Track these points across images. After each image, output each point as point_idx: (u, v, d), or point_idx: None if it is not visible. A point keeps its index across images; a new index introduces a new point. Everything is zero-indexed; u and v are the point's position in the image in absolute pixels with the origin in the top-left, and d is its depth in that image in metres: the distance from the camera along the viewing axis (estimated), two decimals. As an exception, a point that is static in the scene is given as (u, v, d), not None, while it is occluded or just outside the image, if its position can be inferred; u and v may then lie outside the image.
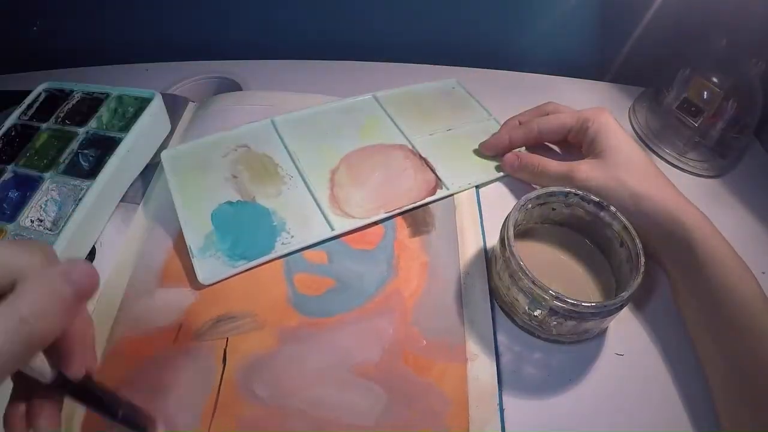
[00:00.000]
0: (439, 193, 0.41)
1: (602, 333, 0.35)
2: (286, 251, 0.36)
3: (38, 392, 0.21)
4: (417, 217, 0.40)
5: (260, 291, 0.35)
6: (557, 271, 0.36)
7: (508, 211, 0.34)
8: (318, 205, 0.39)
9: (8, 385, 0.21)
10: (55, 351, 0.20)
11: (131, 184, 0.41)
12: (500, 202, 0.42)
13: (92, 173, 0.37)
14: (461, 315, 0.34)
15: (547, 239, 0.38)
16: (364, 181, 0.42)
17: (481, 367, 0.32)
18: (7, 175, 0.38)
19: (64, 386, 0.20)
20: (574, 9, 0.53)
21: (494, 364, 0.32)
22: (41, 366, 0.19)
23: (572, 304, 0.29)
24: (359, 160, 0.43)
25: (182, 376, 0.31)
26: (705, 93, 0.45)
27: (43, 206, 0.36)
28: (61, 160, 0.38)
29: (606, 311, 0.30)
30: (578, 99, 0.53)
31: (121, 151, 0.39)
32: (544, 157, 0.41)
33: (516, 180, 0.44)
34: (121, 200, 0.40)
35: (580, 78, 0.55)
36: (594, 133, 0.39)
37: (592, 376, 0.33)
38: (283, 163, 0.42)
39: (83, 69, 0.55)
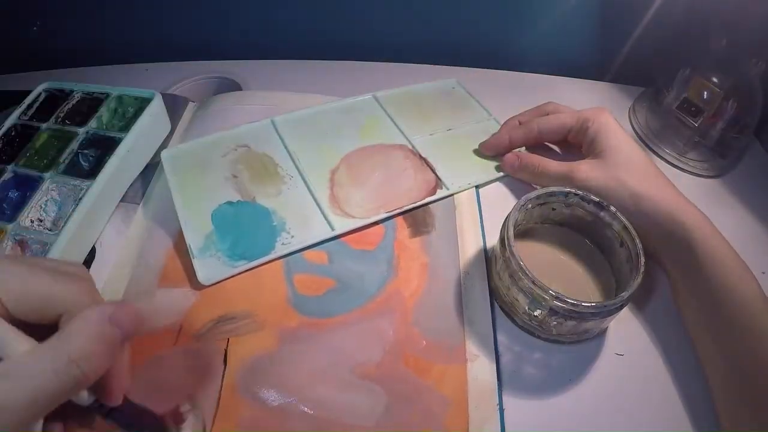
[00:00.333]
0: (439, 193, 0.41)
1: (602, 333, 0.35)
2: (286, 251, 0.36)
3: (73, 413, 0.22)
4: (417, 218, 0.40)
5: (260, 291, 0.35)
6: (557, 271, 0.36)
7: (508, 211, 0.34)
8: (318, 205, 0.39)
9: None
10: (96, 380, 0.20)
11: (131, 184, 0.41)
12: (500, 202, 0.42)
13: (92, 173, 0.37)
14: (461, 315, 0.34)
15: (547, 239, 0.38)
16: (365, 181, 0.42)
17: (480, 368, 0.32)
18: (7, 175, 0.38)
19: (100, 409, 0.21)
20: (574, 9, 0.53)
21: (494, 364, 0.32)
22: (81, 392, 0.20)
23: (572, 304, 0.29)
24: (359, 160, 0.43)
25: (183, 377, 0.31)
26: (705, 93, 0.45)
27: (43, 206, 0.36)
28: (61, 160, 0.38)
29: (606, 311, 0.30)
30: (578, 99, 0.53)
31: (121, 151, 0.39)
32: (544, 157, 0.41)
33: (516, 180, 0.44)
34: (121, 200, 0.40)
35: (580, 78, 0.55)
36: (594, 133, 0.39)
37: (592, 376, 0.33)
38: (283, 163, 0.42)
39: (83, 69, 0.55)
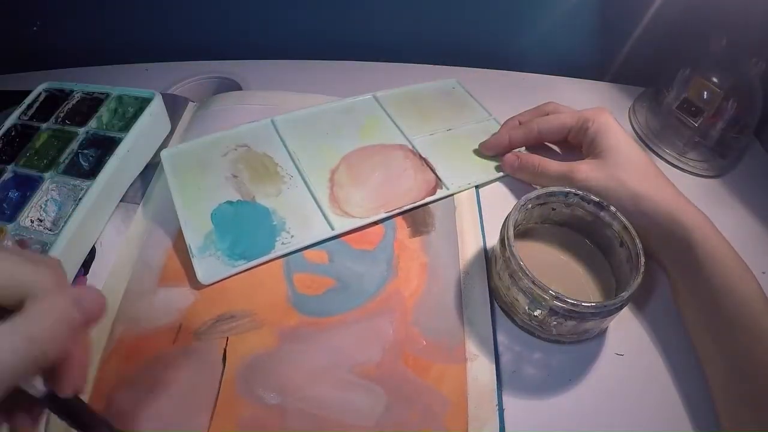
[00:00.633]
0: (439, 193, 0.41)
1: (602, 333, 0.35)
2: (286, 251, 0.36)
3: (22, 404, 0.21)
4: (417, 218, 0.40)
5: (260, 290, 0.35)
6: (557, 271, 0.36)
7: (508, 211, 0.34)
8: (318, 204, 0.39)
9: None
10: (51, 368, 0.20)
11: (131, 184, 0.41)
12: (500, 202, 0.42)
13: (92, 173, 0.37)
14: (461, 315, 0.34)
15: (547, 239, 0.38)
16: (365, 180, 0.42)
17: (480, 368, 0.32)
18: (7, 175, 0.38)
19: (51, 401, 0.21)
20: (574, 9, 0.53)
21: (493, 364, 0.32)
22: (35, 380, 0.20)
23: (572, 304, 0.29)
24: (359, 159, 0.43)
25: (182, 376, 0.31)
26: (705, 93, 0.45)
27: (43, 206, 0.36)
28: (61, 160, 0.38)
29: (606, 311, 0.30)
30: (578, 99, 0.53)
31: (121, 151, 0.39)
32: (543, 157, 0.41)
33: (516, 180, 0.44)
34: (121, 200, 0.40)
35: (580, 78, 0.55)
36: (594, 133, 0.39)
37: (592, 376, 0.33)
38: (283, 163, 0.42)
39: (83, 69, 0.55)
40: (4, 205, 0.36)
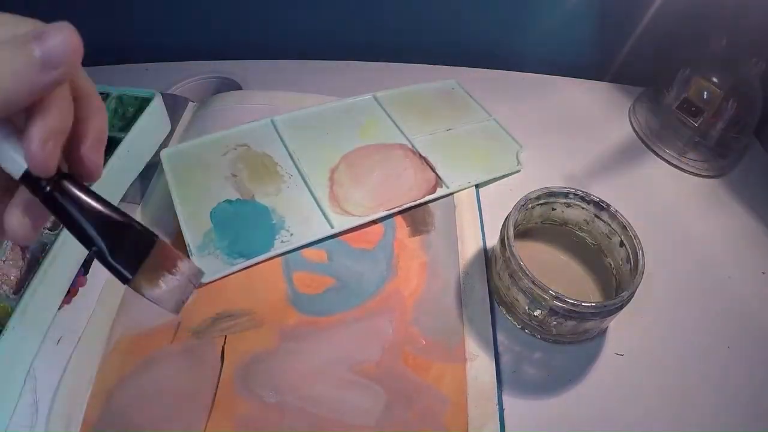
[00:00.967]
0: (439, 192, 0.41)
1: (602, 333, 0.35)
2: (285, 249, 0.36)
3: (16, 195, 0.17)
4: (417, 217, 0.40)
5: (259, 289, 0.35)
6: (557, 271, 0.36)
7: (508, 211, 0.34)
8: (317, 203, 0.39)
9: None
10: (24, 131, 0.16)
11: (131, 184, 0.41)
12: (500, 202, 0.42)
13: (92, 172, 0.37)
14: (460, 315, 0.34)
15: (547, 239, 0.38)
16: (364, 179, 0.42)
17: (480, 368, 0.32)
18: (6, 175, 0.38)
19: (40, 187, 0.16)
20: (574, 9, 0.53)
21: (493, 364, 0.32)
22: (13, 157, 0.16)
23: (572, 304, 0.29)
24: (359, 159, 0.43)
25: (181, 374, 0.31)
26: (705, 93, 0.45)
27: (42, 205, 0.36)
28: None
29: (606, 311, 0.30)
30: (578, 99, 0.53)
31: (121, 150, 0.39)
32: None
33: (516, 180, 0.44)
34: (121, 200, 0.40)
35: (580, 78, 0.55)
36: None
37: (592, 376, 0.33)
38: (282, 162, 0.42)
39: (83, 69, 0.54)
40: (4, 204, 0.36)
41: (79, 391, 0.29)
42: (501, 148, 0.46)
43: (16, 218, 0.17)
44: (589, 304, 0.29)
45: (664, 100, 0.48)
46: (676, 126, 0.47)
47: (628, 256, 0.33)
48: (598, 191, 0.36)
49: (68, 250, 0.34)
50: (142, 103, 0.42)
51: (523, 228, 0.38)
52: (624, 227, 0.34)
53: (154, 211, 0.40)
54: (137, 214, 0.40)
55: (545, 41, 0.56)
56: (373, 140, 0.45)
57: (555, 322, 0.32)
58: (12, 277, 0.32)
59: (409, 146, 0.45)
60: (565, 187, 0.35)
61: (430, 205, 0.41)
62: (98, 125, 0.18)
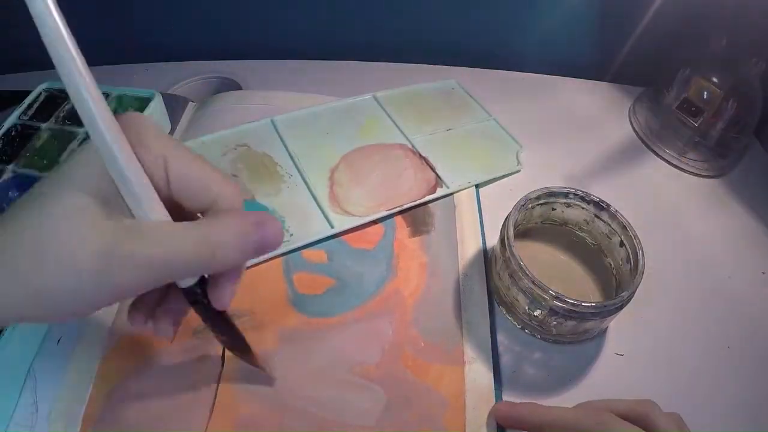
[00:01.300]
0: (440, 192, 0.41)
1: (602, 333, 0.35)
2: (285, 249, 0.36)
3: (168, 300, 0.23)
4: (417, 217, 0.40)
5: (259, 289, 0.35)
6: (557, 271, 0.36)
7: (508, 211, 0.34)
8: (317, 203, 0.39)
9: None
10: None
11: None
12: (500, 202, 0.42)
13: (92, 173, 0.37)
14: (460, 317, 0.34)
15: (547, 239, 0.38)
16: (364, 179, 0.42)
17: (478, 370, 0.32)
18: (7, 175, 0.38)
19: (196, 296, 0.22)
20: (574, 9, 0.53)
21: (491, 367, 0.32)
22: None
23: (572, 304, 0.29)
24: (359, 158, 0.43)
25: (181, 375, 0.31)
26: (705, 93, 0.45)
27: (42, 206, 0.36)
28: (61, 160, 0.38)
29: (606, 311, 0.30)
30: (578, 99, 0.53)
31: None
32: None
33: (516, 180, 0.44)
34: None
35: (580, 78, 0.55)
36: None
37: (592, 376, 0.33)
38: (282, 162, 0.42)
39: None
40: (4, 205, 0.36)
41: (79, 391, 0.29)
42: (501, 148, 0.46)
43: (165, 325, 0.23)
44: (589, 304, 0.29)
45: (664, 100, 0.48)
46: (676, 126, 0.47)
47: (628, 256, 0.33)
48: (598, 191, 0.36)
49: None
50: (142, 103, 0.42)
51: (523, 228, 0.38)
52: (624, 227, 0.34)
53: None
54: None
55: (545, 41, 0.56)
56: (373, 140, 0.45)
57: (555, 322, 0.32)
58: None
59: (409, 146, 0.45)
60: (565, 187, 0.35)
61: (430, 205, 0.41)
62: (242, 274, 0.23)
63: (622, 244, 0.34)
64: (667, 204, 0.44)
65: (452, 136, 0.46)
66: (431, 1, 0.54)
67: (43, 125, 0.41)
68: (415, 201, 0.40)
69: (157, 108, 0.42)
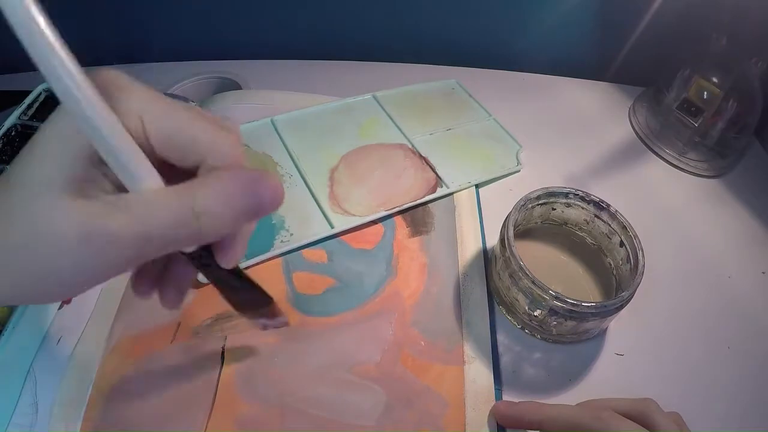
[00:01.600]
0: (439, 192, 0.41)
1: (602, 333, 0.35)
2: (284, 249, 0.36)
3: (173, 267, 0.22)
4: (416, 217, 0.40)
5: (260, 290, 0.35)
6: (557, 271, 0.36)
7: (508, 211, 0.34)
8: (317, 203, 0.39)
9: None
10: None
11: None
12: (500, 202, 0.42)
13: (92, 173, 0.37)
14: (459, 317, 0.34)
15: (547, 239, 0.38)
16: (364, 179, 0.42)
17: (478, 370, 0.32)
18: (6, 175, 0.38)
19: (201, 260, 0.20)
20: (574, 9, 0.53)
21: (491, 367, 0.32)
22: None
23: (572, 304, 0.29)
24: (359, 158, 0.43)
25: (180, 374, 0.31)
26: (705, 93, 0.45)
27: (42, 206, 0.36)
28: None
29: (606, 311, 0.30)
30: (578, 99, 0.53)
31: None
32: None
33: (516, 180, 0.44)
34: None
35: (580, 78, 0.55)
36: None
37: (592, 376, 0.33)
38: (282, 162, 0.42)
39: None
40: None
41: (79, 391, 0.29)
42: (501, 147, 0.46)
43: (173, 294, 0.22)
44: (589, 304, 0.29)
45: (664, 100, 0.48)
46: (676, 126, 0.47)
47: (628, 256, 0.33)
48: (598, 191, 0.36)
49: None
50: (142, 103, 0.42)
51: (523, 228, 0.38)
52: (624, 227, 0.34)
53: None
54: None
55: (545, 41, 0.56)
56: (373, 140, 0.45)
57: (555, 322, 0.32)
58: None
59: (409, 146, 0.45)
60: (565, 187, 0.35)
61: (430, 205, 0.41)
62: (249, 232, 0.21)
63: (622, 244, 0.34)
64: (667, 204, 0.44)
65: (452, 135, 0.46)
66: (431, 1, 0.54)
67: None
68: (415, 201, 0.40)
69: (157, 108, 0.42)
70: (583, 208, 0.36)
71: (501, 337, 0.34)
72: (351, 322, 0.34)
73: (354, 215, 0.39)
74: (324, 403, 0.30)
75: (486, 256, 0.38)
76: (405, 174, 0.42)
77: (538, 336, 0.34)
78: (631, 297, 0.30)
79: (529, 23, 0.55)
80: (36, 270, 0.16)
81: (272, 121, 0.45)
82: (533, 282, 0.30)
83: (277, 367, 0.31)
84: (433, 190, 0.41)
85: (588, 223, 0.36)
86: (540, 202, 0.36)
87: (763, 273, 0.39)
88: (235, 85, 0.53)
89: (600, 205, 0.35)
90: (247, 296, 0.25)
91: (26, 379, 0.30)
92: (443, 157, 0.44)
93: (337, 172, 0.42)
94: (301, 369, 0.31)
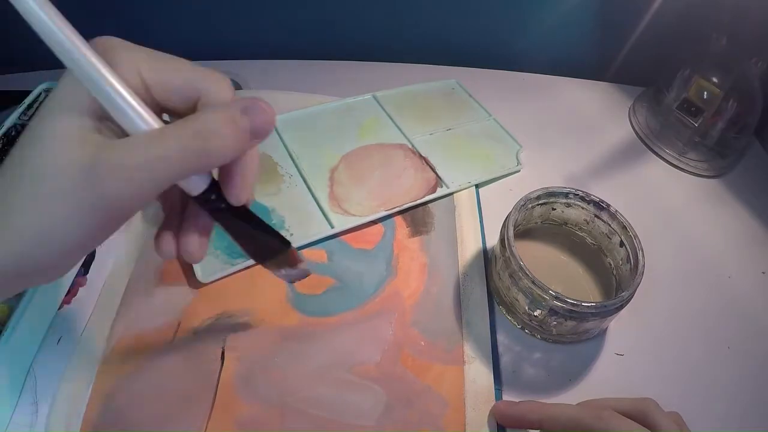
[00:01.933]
0: (439, 192, 0.41)
1: (602, 333, 0.35)
2: (285, 250, 0.36)
3: (191, 218, 0.22)
4: (416, 217, 0.40)
5: (259, 289, 0.35)
6: (557, 271, 0.36)
7: (508, 211, 0.34)
8: (317, 202, 0.39)
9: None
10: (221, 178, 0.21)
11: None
12: (500, 202, 0.42)
13: (92, 173, 0.37)
14: (459, 317, 0.34)
15: (547, 239, 0.38)
16: (364, 179, 0.42)
17: (478, 370, 0.32)
18: (6, 175, 0.38)
19: (213, 203, 0.21)
20: (574, 9, 0.53)
21: (491, 366, 0.32)
22: (195, 179, 0.20)
23: (572, 304, 0.29)
24: (359, 158, 0.43)
25: (180, 374, 0.31)
26: (705, 93, 0.45)
27: (42, 205, 0.36)
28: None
29: (606, 311, 0.30)
30: (578, 99, 0.53)
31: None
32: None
33: (516, 180, 0.44)
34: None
35: (580, 78, 0.55)
36: None
37: (592, 376, 0.33)
38: (282, 162, 0.42)
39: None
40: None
41: (79, 391, 0.29)
42: (501, 147, 0.46)
43: (194, 243, 0.22)
44: (589, 304, 0.29)
45: (664, 100, 0.48)
46: (676, 126, 0.47)
47: (628, 256, 0.33)
48: (598, 191, 0.36)
49: (68, 250, 0.34)
50: (142, 103, 0.42)
51: (523, 228, 0.38)
52: (624, 227, 0.34)
53: (154, 210, 0.39)
54: (137, 214, 0.39)
55: (545, 41, 0.56)
56: (373, 140, 0.45)
57: (555, 322, 0.32)
58: (12, 277, 0.32)
59: (409, 146, 0.45)
60: (565, 187, 0.35)
61: (430, 205, 0.41)
62: (255, 164, 0.21)
63: (622, 244, 0.34)
64: (667, 204, 0.44)
65: (452, 135, 0.46)
66: (431, 1, 0.54)
67: (43, 125, 0.41)
68: (415, 201, 0.40)
69: (157, 108, 0.42)
70: (583, 208, 0.36)
71: (501, 337, 0.34)
72: (351, 322, 0.34)
73: (354, 215, 0.39)
74: (324, 403, 0.30)
75: (486, 256, 0.38)
76: (405, 174, 0.42)
77: (538, 336, 0.34)
78: (631, 297, 0.30)
79: (529, 23, 0.55)
80: (50, 202, 0.17)
81: (272, 121, 0.45)
82: (533, 282, 0.30)
83: (277, 367, 0.31)
84: (433, 190, 0.41)
85: (588, 223, 0.36)
86: (540, 202, 0.36)
87: (763, 273, 0.39)
88: (235, 85, 0.53)
89: (600, 205, 0.35)
90: (264, 242, 0.24)
91: (26, 379, 0.30)
92: (443, 157, 0.44)
93: (337, 172, 0.42)
94: (301, 369, 0.31)
